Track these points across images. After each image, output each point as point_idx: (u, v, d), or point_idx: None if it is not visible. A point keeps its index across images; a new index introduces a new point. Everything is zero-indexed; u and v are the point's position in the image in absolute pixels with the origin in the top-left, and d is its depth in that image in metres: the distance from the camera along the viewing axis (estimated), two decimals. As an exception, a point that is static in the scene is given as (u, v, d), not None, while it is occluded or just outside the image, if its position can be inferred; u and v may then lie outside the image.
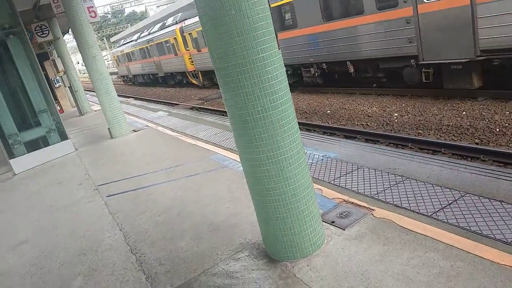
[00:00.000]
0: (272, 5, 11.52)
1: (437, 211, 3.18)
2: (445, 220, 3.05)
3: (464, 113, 7.57)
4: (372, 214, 3.36)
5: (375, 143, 7.31)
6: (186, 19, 20.05)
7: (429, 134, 7.13)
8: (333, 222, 3.37)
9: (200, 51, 18.67)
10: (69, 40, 49.21)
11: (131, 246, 3.78)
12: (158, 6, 60.17)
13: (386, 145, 7.10)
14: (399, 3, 8.67)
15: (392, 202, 3.48)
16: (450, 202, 3.27)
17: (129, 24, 63.11)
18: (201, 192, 4.72)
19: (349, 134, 8.02)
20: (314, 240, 3.02)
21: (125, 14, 74.04)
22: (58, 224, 4.83)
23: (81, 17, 8.84)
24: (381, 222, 3.22)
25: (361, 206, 3.54)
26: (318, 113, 10.33)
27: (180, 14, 22.37)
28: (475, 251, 2.64)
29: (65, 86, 16.27)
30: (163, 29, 23.09)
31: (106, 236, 4.11)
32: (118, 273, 3.40)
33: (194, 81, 21.52)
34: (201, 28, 12.27)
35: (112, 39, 57.61)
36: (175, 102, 17.96)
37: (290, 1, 12.00)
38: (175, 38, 20.77)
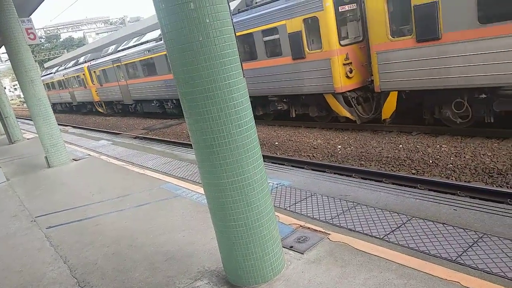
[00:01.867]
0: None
1: (388, 234, 3.38)
2: (396, 242, 3.24)
3: (401, 146, 8.22)
4: (328, 238, 3.47)
5: (322, 173, 7.63)
6: (93, 59, 24.61)
7: (370, 165, 7.60)
8: (292, 247, 3.42)
9: (102, 85, 23.38)
10: (-2, 63, 45.96)
11: (78, 278, 3.50)
12: (97, 34, 58.82)
13: (331, 175, 7.45)
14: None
15: (346, 226, 3.63)
16: (399, 225, 3.49)
17: (65, 50, 60.60)
18: (153, 221, 4.55)
19: (297, 165, 8.28)
20: (275, 264, 3.04)
21: (61, 40, 71.13)
22: (-12, 260, 4.34)
23: (18, 39, 8.40)
24: (337, 246, 3.33)
25: (317, 230, 3.65)
26: (266, 144, 10.57)
27: (89, 54, 27.60)
28: (425, 269, 2.83)
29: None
30: (76, 65, 27.60)
31: (49, 270, 3.77)
32: (64, 310, 3.12)
33: (100, 109, 26.39)
34: (103, 68, 15.50)
35: (46, 65, 54.82)
36: (117, 132, 17.34)
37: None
38: (84, 74, 25.32)
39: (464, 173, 6.38)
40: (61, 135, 8.93)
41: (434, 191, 5.90)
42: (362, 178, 6.95)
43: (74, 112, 32.00)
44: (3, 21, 8.22)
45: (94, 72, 23.51)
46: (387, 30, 8.24)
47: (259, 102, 12.69)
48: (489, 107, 7.45)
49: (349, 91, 9.72)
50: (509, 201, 5.05)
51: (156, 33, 17.71)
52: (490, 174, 6.11)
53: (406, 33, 8.10)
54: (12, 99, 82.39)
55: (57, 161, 8.80)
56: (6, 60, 39.05)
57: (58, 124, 9.20)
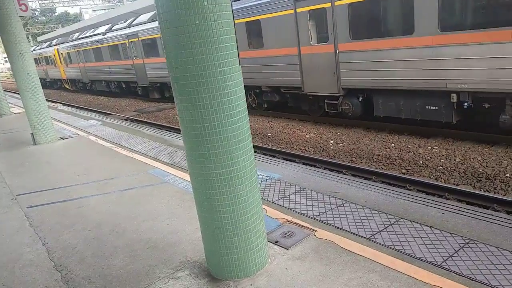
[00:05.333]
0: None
1: (374, 234, 3.34)
2: (382, 243, 3.20)
3: (392, 145, 8.20)
4: (315, 235, 3.42)
5: (312, 167, 7.60)
6: (62, 43, 29.08)
7: (361, 162, 7.58)
8: (277, 241, 3.37)
9: (68, 66, 28.03)
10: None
11: (55, 262, 3.40)
12: (94, 10, 57.61)
13: (322, 170, 7.42)
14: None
15: (333, 224, 3.58)
16: (386, 226, 3.46)
17: (60, 25, 59.21)
18: (138, 207, 4.46)
19: (289, 158, 8.23)
20: (259, 259, 2.99)
21: (56, 14, 69.45)
22: (-35, 237, 4.22)
23: (9, 8, 8.11)
24: (323, 243, 3.29)
25: (304, 226, 3.59)
26: (259, 135, 10.48)
27: (60, 38, 32.27)
28: (409, 272, 2.80)
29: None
30: (49, 47, 32.28)
31: (26, 251, 3.67)
32: (39, 293, 3.03)
33: (67, 86, 31.06)
34: (68, 51, 17.83)
35: (39, 39, 53.56)
36: (108, 112, 17.07)
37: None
38: (54, 55, 30.00)
39: (453, 175, 6.38)
40: (49, 112, 8.72)
41: (423, 192, 5.92)
42: (353, 175, 6.94)
43: (61, 89, 34.07)
44: (-6, -11, 7.94)
45: (62, 54, 28.41)
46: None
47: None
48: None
49: None
50: (495, 206, 5.06)
51: (103, 28, 23.01)
52: (479, 179, 6.12)
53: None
54: (2, 72, 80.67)
55: (43, 138, 8.61)
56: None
57: (48, 100, 8.98)
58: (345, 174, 7.01)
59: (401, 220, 3.53)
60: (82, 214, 4.43)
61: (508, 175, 6.02)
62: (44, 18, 67.12)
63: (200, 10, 2.42)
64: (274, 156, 8.46)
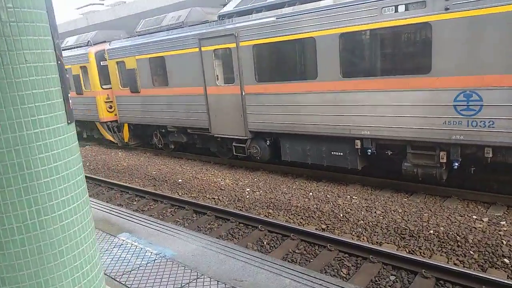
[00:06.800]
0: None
1: None
2: None
3: (311, 193, 7.62)
4: None
5: (226, 222, 6.65)
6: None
7: (278, 215, 6.82)
8: None
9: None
10: None
11: None
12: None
13: (236, 225, 6.50)
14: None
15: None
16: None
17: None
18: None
19: (199, 210, 7.20)
20: None
21: None
22: None
23: None
24: None
25: None
26: (168, 181, 9.30)
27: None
28: None
29: None
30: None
31: None
32: None
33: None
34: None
35: None
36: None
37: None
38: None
39: (375, 232, 5.88)
40: None
41: (345, 253, 5.27)
42: (269, 231, 6.13)
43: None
44: None
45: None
46: (119, 82, 12.10)
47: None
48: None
49: (110, 121, 13.28)
50: (424, 272, 4.53)
51: None
52: (402, 236, 5.67)
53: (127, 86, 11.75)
54: None
55: None
56: None
57: None
58: (261, 230, 6.17)
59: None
60: None
61: (431, 231, 5.66)
62: None
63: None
64: (183, 208, 7.37)
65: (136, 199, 8.29)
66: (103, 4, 31.50)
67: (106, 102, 13.17)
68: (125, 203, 8.12)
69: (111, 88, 12.78)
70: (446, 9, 5.80)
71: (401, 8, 6.19)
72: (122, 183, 9.06)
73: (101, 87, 13.07)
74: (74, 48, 14.28)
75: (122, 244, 4.09)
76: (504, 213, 6.11)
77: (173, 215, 7.26)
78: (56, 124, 1.74)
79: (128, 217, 5.17)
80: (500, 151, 6.11)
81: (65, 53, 13.41)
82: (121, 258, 3.73)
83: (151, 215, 7.23)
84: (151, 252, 3.86)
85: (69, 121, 1.83)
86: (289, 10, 7.72)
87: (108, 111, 13.17)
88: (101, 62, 12.95)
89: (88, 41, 13.99)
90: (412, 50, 6.47)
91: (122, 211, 5.58)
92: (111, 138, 13.58)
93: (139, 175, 10.11)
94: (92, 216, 2.00)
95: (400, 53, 6.57)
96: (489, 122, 5.87)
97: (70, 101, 1.90)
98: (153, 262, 3.67)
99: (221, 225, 6.63)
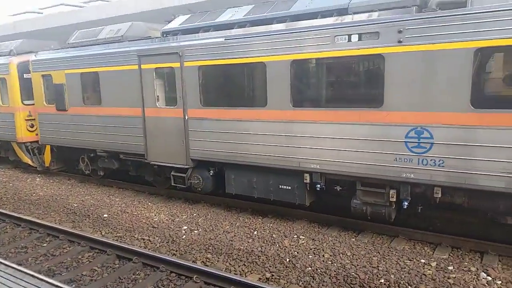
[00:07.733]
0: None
1: None
2: None
3: (255, 232, 6.89)
4: None
5: (155, 270, 5.66)
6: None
7: (218, 261, 5.98)
8: None
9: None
10: None
11: None
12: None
13: (167, 275, 5.54)
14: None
15: None
16: None
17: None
18: None
19: (124, 255, 6.13)
20: None
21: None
22: None
23: None
24: None
25: None
26: (91, 216, 8.06)
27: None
28: None
29: None
30: None
31: None
32: None
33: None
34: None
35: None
36: None
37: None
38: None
39: (324, 281, 5.25)
40: None
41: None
42: (205, 283, 5.26)
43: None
44: None
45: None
46: (44, 98, 10.76)
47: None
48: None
49: (30, 142, 11.62)
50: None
51: None
52: (352, 286, 5.11)
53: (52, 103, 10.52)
54: None
55: None
56: None
57: None
58: (196, 282, 5.28)
59: None
60: None
61: (382, 280, 5.15)
62: None
63: None
64: (104, 252, 6.24)
65: (47, 240, 6.91)
66: (42, 13, 29.08)
67: (27, 120, 11.61)
68: (31, 246, 6.73)
69: (34, 104, 11.29)
70: (399, 41, 5.53)
71: (354, 38, 5.86)
72: (32, 219, 7.56)
73: (22, 102, 11.56)
74: None
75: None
76: (449, 255, 5.89)
77: (90, 261, 6.07)
78: None
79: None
80: (449, 191, 5.88)
81: (-20, 62, 11.88)
82: None
83: (62, 262, 6.02)
84: None
85: None
86: (240, 31, 7.15)
87: (28, 130, 11.60)
88: (24, 75, 11.58)
89: (11, 50, 12.42)
90: (364, 82, 6.15)
91: None
92: (29, 162, 11.87)
93: (56, 208, 8.68)
94: None
95: (352, 85, 6.23)
96: (439, 161, 5.61)
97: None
98: None
99: (148, 275, 5.62)
